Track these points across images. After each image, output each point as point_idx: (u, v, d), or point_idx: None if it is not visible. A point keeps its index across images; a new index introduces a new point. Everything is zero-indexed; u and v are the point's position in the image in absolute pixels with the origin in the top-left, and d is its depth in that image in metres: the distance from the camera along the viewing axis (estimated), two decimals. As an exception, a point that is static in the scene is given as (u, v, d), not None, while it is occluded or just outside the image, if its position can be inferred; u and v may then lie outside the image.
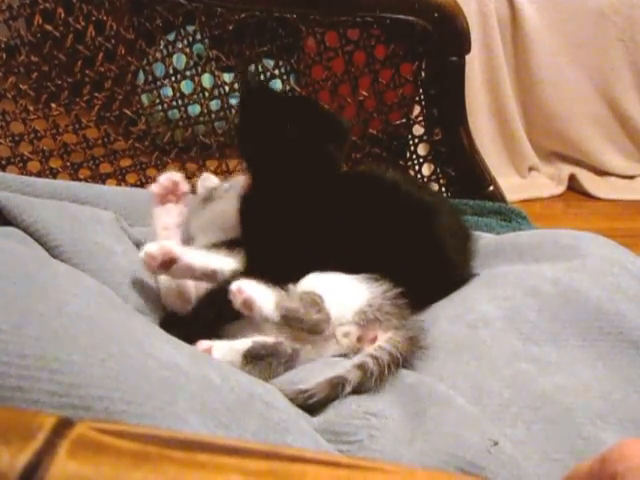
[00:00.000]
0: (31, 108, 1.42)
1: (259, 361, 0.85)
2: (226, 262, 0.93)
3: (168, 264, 0.88)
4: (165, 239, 0.95)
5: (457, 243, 1.06)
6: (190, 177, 1.49)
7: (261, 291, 0.86)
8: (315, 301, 0.87)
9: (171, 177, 0.96)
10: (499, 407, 0.79)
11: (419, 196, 1.07)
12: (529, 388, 0.81)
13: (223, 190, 1.09)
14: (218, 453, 0.34)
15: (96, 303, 0.75)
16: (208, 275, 0.92)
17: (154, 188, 0.96)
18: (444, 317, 0.97)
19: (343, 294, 0.90)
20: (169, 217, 0.96)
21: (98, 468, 0.33)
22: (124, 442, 0.35)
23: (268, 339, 0.86)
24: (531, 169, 2.84)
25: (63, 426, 0.35)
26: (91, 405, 0.59)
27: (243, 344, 0.86)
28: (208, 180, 1.18)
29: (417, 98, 1.43)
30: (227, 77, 1.50)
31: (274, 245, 0.96)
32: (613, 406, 0.80)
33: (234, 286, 0.86)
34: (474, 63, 2.59)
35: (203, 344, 0.86)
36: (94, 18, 1.38)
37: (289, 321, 0.85)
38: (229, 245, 0.98)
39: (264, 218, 0.98)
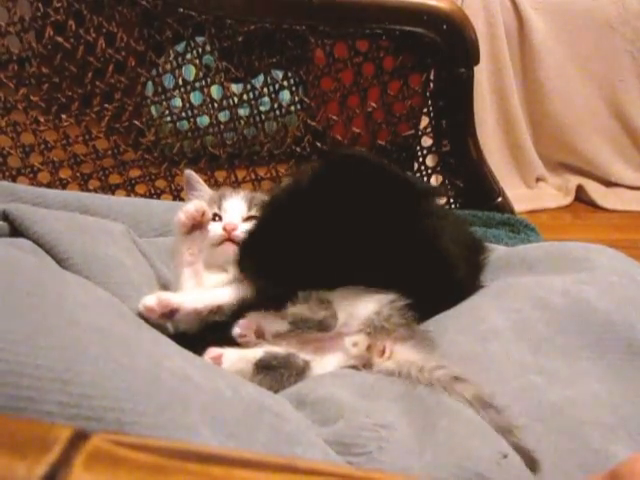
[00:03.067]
0: (41, 119, 1.43)
1: (270, 372, 0.84)
2: (230, 293, 0.93)
3: (170, 314, 0.88)
4: (190, 264, 0.96)
5: (464, 255, 1.06)
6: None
7: (262, 316, 0.88)
8: (322, 300, 0.88)
9: (199, 208, 0.96)
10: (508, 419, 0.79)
11: (423, 207, 1.07)
12: (538, 400, 0.81)
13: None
14: (234, 466, 0.34)
15: (107, 314, 0.75)
16: (215, 312, 0.91)
17: (182, 218, 0.95)
18: (453, 328, 0.96)
19: (351, 301, 0.90)
20: (194, 244, 0.96)
21: (114, 481, 0.34)
22: (140, 455, 0.35)
23: (280, 350, 0.86)
24: (538, 180, 2.84)
25: (79, 438, 0.35)
26: (102, 416, 0.59)
27: (254, 353, 0.86)
28: (192, 182, 1.14)
29: (426, 109, 1.43)
30: (236, 88, 1.50)
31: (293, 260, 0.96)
32: (623, 419, 0.80)
33: (235, 332, 0.87)
34: (481, 74, 2.59)
35: (213, 351, 0.86)
36: (105, 30, 1.39)
37: (298, 325, 0.86)
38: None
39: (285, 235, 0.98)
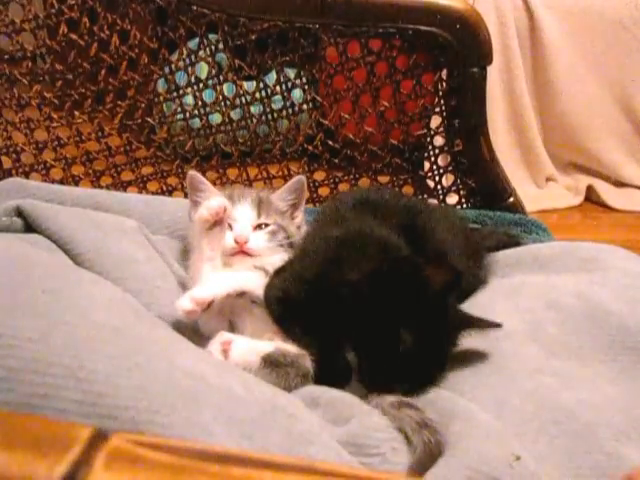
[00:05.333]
0: (55, 116, 1.43)
1: (277, 368, 0.84)
2: (257, 280, 0.94)
3: (207, 307, 0.89)
4: (211, 260, 0.96)
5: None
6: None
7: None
8: None
9: (222, 204, 0.95)
10: (521, 421, 0.78)
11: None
12: (551, 403, 0.81)
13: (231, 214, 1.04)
14: (253, 467, 0.34)
15: (121, 312, 0.75)
16: (240, 295, 0.93)
17: (205, 214, 0.95)
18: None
19: None
20: (215, 239, 0.96)
21: (134, 480, 0.34)
22: (159, 455, 0.35)
23: (291, 348, 0.86)
24: (548, 180, 2.83)
25: (99, 438, 0.35)
26: (117, 414, 0.59)
27: (264, 347, 0.86)
28: (196, 183, 1.10)
29: (438, 109, 1.43)
30: (248, 86, 1.50)
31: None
32: (635, 421, 0.80)
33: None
34: (492, 73, 2.57)
35: (225, 336, 0.86)
36: (118, 27, 1.39)
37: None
38: None
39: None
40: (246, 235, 1.02)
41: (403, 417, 0.76)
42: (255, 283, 0.93)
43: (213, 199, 0.97)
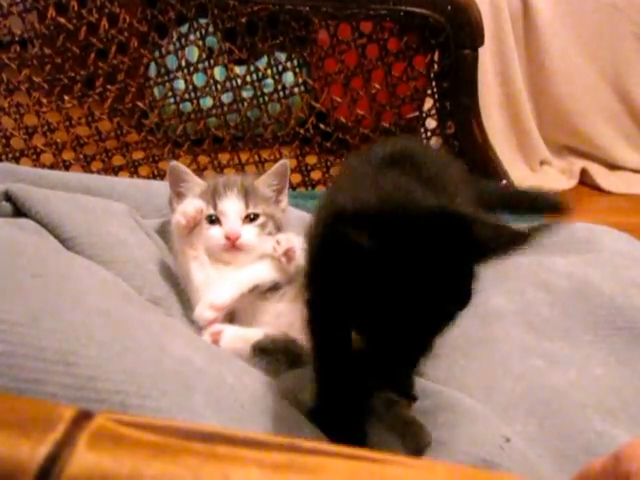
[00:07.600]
0: (44, 100, 1.43)
1: (267, 355, 0.85)
2: (265, 272, 0.94)
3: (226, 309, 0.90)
4: (196, 259, 0.94)
5: None
6: (202, 170, 1.49)
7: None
8: None
9: (197, 207, 0.93)
10: (511, 403, 0.79)
11: None
12: (541, 384, 0.81)
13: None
14: (237, 445, 0.34)
15: (112, 297, 0.75)
16: (252, 290, 0.92)
17: (183, 221, 0.92)
18: (455, 311, 0.96)
19: None
20: (196, 240, 0.94)
21: (117, 459, 0.33)
22: (143, 434, 0.35)
23: (279, 335, 0.86)
24: (542, 163, 2.82)
25: (82, 418, 0.35)
26: (106, 399, 0.59)
27: (254, 334, 0.86)
28: (178, 173, 1.04)
29: (430, 91, 1.43)
30: (239, 70, 1.50)
31: None
32: (624, 402, 0.80)
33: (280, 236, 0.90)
34: (485, 56, 2.56)
35: (215, 327, 0.86)
36: (107, 10, 1.38)
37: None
38: None
39: None
40: (238, 230, 0.98)
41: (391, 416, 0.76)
42: (266, 273, 0.93)
43: (187, 203, 0.94)
